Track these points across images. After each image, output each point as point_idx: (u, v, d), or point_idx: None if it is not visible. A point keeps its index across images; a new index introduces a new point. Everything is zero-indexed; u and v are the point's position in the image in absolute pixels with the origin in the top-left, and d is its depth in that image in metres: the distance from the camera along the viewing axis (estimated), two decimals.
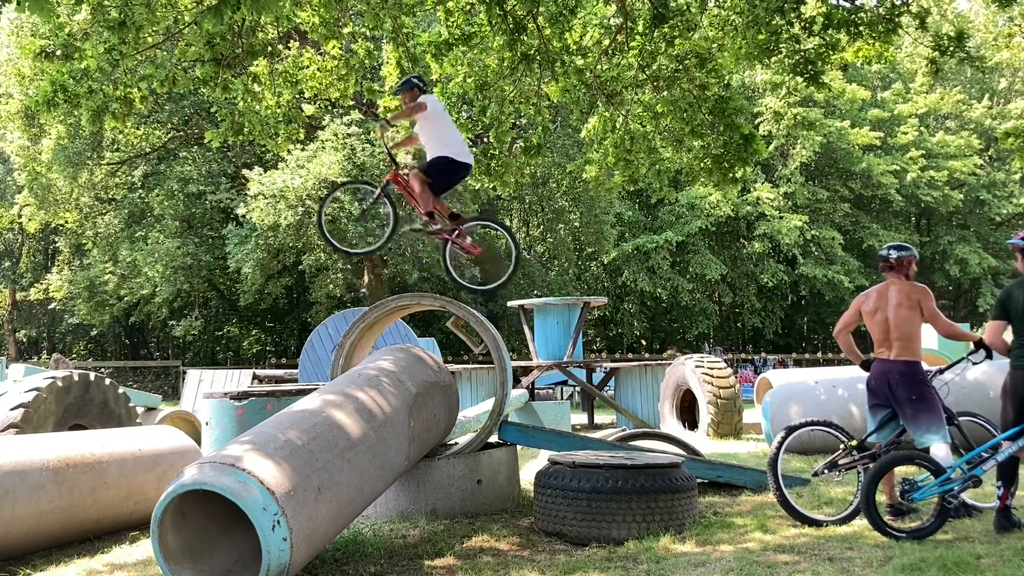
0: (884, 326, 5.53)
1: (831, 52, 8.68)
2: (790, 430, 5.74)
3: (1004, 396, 5.25)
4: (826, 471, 5.57)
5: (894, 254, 5.62)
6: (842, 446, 5.61)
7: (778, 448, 5.65)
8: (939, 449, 5.27)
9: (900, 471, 5.69)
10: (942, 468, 4.98)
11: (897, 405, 5.48)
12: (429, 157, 6.79)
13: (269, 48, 8.33)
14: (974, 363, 5.64)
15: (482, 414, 7.46)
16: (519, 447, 6.87)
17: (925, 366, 5.61)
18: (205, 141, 10.16)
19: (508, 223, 29.91)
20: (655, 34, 9.29)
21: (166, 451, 6.17)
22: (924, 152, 30.46)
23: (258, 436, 4.28)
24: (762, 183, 28.70)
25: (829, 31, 8.48)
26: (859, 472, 5.57)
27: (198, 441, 7.71)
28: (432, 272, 21.51)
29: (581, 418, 15.20)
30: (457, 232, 6.90)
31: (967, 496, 5.50)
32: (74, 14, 7.80)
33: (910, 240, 30.43)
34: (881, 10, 8.52)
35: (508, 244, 7.01)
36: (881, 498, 5.10)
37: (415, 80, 6.88)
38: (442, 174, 6.74)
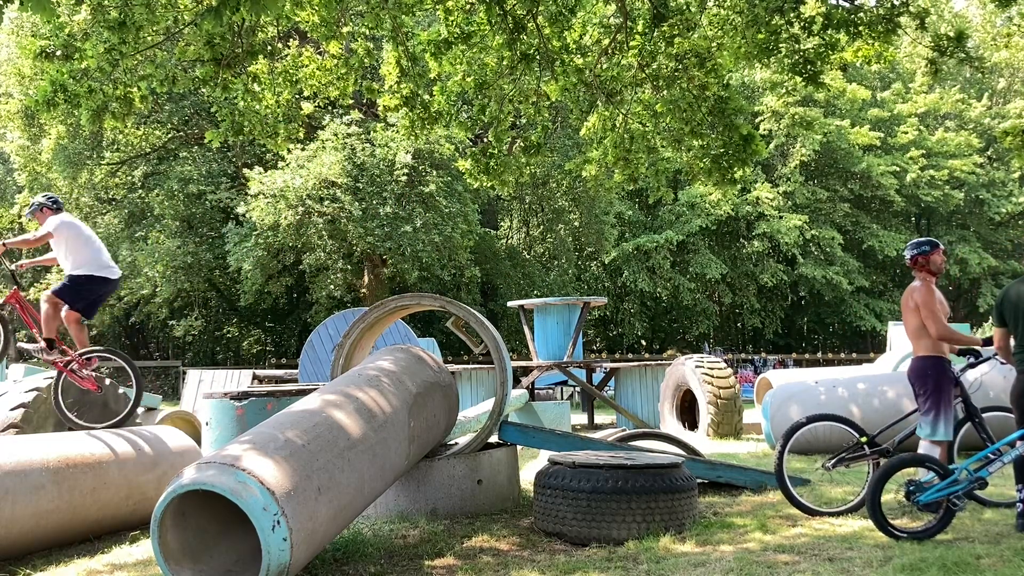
0: None
1: (831, 52, 8.68)
2: (799, 425, 5.77)
3: (1012, 401, 5.24)
4: (831, 466, 5.66)
5: (906, 254, 5.75)
6: (853, 441, 5.69)
7: (784, 443, 5.71)
8: (923, 446, 5.41)
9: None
10: (948, 470, 4.97)
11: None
12: (65, 275, 6.39)
13: (269, 48, 8.31)
14: (1001, 362, 5.65)
15: (482, 414, 7.47)
16: (519, 447, 6.87)
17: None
18: (205, 141, 10.16)
19: (509, 221, 29.85)
20: (655, 33, 9.28)
21: (166, 451, 6.18)
22: (924, 151, 30.44)
23: (258, 436, 4.28)
24: (762, 183, 28.69)
25: (828, 31, 8.49)
26: (868, 468, 5.61)
27: (198, 441, 7.70)
28: (432, 272, 21.50)
29: (581, 418, 15.20)
30: (74, 362, 6.38)
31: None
32: (74, 14, 7.80)
33: (910, 240, 30.41)
34: (881, 10, 8.52)
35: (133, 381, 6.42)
36: (886, 497, 5.11)
37: (43, 200, 6.54)
38: (80, 293, 6.36)
